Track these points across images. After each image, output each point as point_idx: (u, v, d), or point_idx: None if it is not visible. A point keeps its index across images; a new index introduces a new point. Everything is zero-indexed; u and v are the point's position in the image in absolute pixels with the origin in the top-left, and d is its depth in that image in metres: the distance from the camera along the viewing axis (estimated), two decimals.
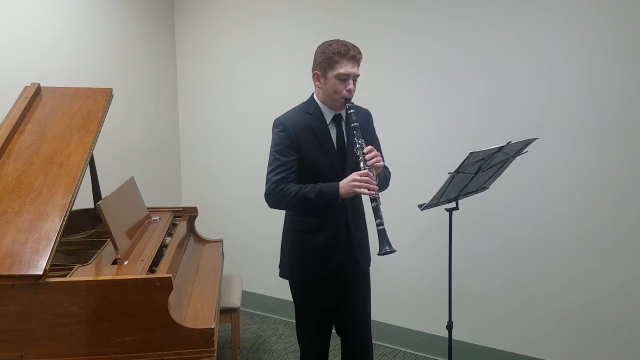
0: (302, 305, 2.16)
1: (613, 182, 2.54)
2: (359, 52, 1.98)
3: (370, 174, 1.89)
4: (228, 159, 3.91)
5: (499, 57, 2.77)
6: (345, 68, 1.93)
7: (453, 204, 2.26)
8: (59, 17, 3.16)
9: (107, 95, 2.61)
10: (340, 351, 2.34)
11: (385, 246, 1.86)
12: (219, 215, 3.91)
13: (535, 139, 2.20)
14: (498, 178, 2.38)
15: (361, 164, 1.92)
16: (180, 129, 4.15)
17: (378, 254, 1.89)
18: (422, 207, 2.16)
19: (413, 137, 3.01)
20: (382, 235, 1.88)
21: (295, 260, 2.12)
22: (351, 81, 1.96)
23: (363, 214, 2.20)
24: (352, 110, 1.96)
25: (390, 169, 2.20)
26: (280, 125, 2.04)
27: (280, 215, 3.63)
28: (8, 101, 2.48)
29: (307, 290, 2.12)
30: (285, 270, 2.18)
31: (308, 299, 2.13)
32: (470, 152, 1.97)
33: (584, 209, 2.62)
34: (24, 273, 1.75)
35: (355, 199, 2.10)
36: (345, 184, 1.92)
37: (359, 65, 1.99)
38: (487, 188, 2.40)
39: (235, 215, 3.90)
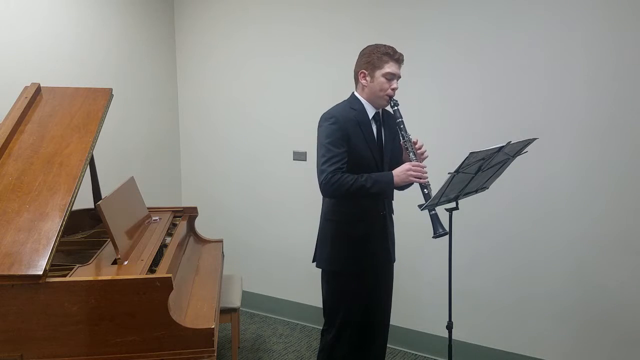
0: (337, 295, 2.25)
1: (613, 182, 2.54)
2: (403, 56, 2.18)
3: (422, 164, 2.09)
4: (228, 159, 3.91)
5: (499, 57, 2.77)
6: (392, 68, 2.14)
7: (453, 204, 2.26)
8: (59, 17, 3.16)
9: (107, 95, 2.61)
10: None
11: (439, 228, 2.03)
12: (219, 215, 3.91)
13: (535, 139, 2.20)
14: (498, 178, 2.38)
15: (410, 155, 2.11)
16: (180, 129, 4.14)
17: (433, 237, 2.04)
18: (422, 207, 2.16)
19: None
20: (436, 219, 2.04)
21: (336, 251, 2.22)
22: (396, 81, 2.15)
23: (393, 210, 2.37)
24: (396, 107, 2.14)
25: None
26: (332, 118, 2.16)
27: (280, 215, 3.65)
28: (8, 101, 2.48)
29: (345, 279, 2.22)
30: (324, 260, 2.26)
31: (345, 288, 2.22)
32: (470, 152, 1.97)
33: (584, 209, 2.62)
34: (24, 273, 1.75)
35: (390, 193, 2.28)
36: (400, 173, 2.09)
37: (401, 68, 2.19)
38: (487, 188, 2.40)
39: (236, 216, 3.90)
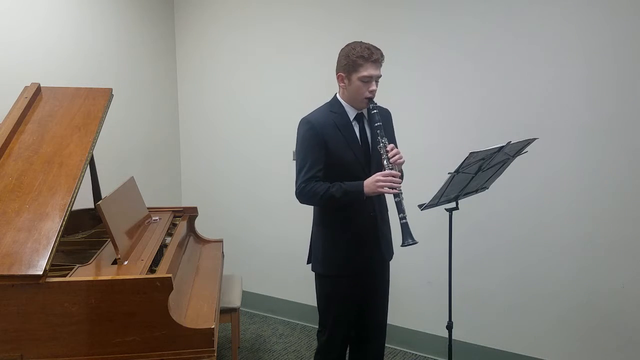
0: (331, 296, 2.22)
1: (613, 182, 2.53)
2: (382, 55, 2.08)
3: (394, 172, 2.00)
4: (228, 159, 3.91)
5: (499, 57, 2.77)
6: (368, 71, 2.03)
7: (453, 204, 2.26)
8: (59, 17, 3.16)
9: (107, 95, 2.61)
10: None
11: (408, 239, 1.98)
12: (219, 215, 3.91)
13: (535, 139, 2.20)
14: (498, 178, 2.38)
15: (384, 162, 2.02)
16: (180, 129, 4.14)
17: (401, 246, 2.00)
18: (422, 207, 2.16)
19: (413, 137, 3.01)
20: (405, 228, 1.99)
21: (328, 255, 2.19)
22: (374, 82, 2.07)
23: (387, 208, 2.30)
24: (375, 111, 2.06)
25: None
26: (307, 124, 2.12)
27: (280, 215, 3.65)
28: (8, 101, 2.48)
29: (338, 282, 2.19)
30: (318, 264, 2.24)
31: (338, 290, 2.20)
32: (470, 152, 1.97)
33: (584, 209, 2.61)
34: (24, 273, 1.75)
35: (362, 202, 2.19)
36: (370, 184, 2.02)
37: (381, 67, 2.08)
38: (487, 188, 2.40)
39: (236, 215, 3.90)
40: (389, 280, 2.35)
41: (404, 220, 1.99)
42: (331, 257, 2.18)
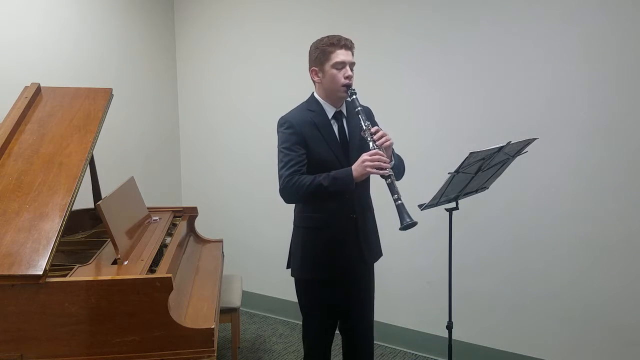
0: (311, 303, 2.18)
1: (613, 182, 2.53)
2: (351, 41, 2.05)
3: (381, 152, 1.91)
4: (228, 159, 3.91)
5: (499, 57, 2.77)
6: (340, 56, 2.01)
7: (453, 204, 2.26)
8: (59, 17, 3.16)
9: (107, 95, 2.61)
10: (341, 350, 2.36)
11: (406, 218, 1.84)
12: (219, 215, 3.91)
13: (535, 139, 2.20)
14: (498, 178, 2.38)
15: (370, 144, 1.94)
16: (180, 128, 4.15)
17: (400, 229, 1.85)
18: (422, 207, 2.16)
19: (413, 137, 3.01)
20: (401, 209, 1.85)
21: (306, 258, 2.13)
22: (348, 68, 2.01)
23: (372, 209, 2.23)
24: (355, 96, 2.01)
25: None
26: (286, 123, 2.10)
27: (280, 215, 3.64)
28: (8, 101, 2.48)
29: (317, 288, 2.14)
30: (295, 269, 2.18)
31: (317, 296, 2.15)
32: (470, 152, 1.97)
33: (584, 209, 2.61)
34: (24, 273, 1.75)
35: (362, 192, 2.14)
36: (357, 166, 1.94)
37: (353, 54, 2.05)
38: (487, 188, 2.40)
39: (236, 215, 3.90)
40: (373, 284, 2.27)
41: (399, 202, 1.85)
42: (308, 260, 2.12)
